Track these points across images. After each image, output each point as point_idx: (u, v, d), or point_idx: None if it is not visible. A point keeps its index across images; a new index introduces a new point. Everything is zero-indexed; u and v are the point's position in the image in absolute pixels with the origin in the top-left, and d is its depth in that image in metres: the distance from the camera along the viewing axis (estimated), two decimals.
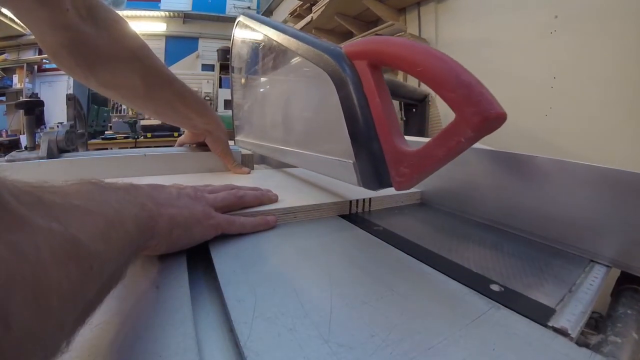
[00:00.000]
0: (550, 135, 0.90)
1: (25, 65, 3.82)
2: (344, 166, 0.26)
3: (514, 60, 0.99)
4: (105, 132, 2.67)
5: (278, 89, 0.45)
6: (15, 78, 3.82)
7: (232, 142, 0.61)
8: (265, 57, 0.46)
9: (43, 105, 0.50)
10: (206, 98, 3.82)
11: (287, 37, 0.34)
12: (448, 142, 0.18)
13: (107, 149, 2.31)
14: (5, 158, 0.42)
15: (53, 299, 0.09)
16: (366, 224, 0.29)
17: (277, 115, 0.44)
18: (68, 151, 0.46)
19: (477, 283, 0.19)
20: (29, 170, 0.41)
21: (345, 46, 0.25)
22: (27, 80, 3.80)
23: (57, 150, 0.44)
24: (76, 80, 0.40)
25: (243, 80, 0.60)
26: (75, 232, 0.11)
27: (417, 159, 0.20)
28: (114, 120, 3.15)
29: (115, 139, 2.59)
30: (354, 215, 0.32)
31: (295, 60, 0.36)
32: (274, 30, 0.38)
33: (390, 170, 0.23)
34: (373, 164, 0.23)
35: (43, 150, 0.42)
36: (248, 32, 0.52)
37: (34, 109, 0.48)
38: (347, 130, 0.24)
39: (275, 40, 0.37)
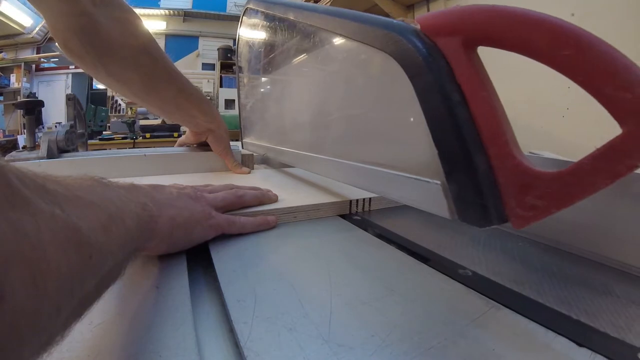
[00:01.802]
0: (568, 136, 0.86)
1: (22, 64, 3.81)
2: (426, 188, 0.18)
3: (529, 60, 0.97)
4: (103, 132, 2.66)
5: (304, 82, 0.37)
6: (13, 77, 3.80)
7: (240, 143, 0.59)
8: (283, 45, 0.39)
9: (43, 105, 0.50)
10: (208, 97, 3.81)
11: (321, 15, 0.27)
12: (616, 166, 0.12)
13: (105, 150, 2.30)
14: (5, 158, 0.42)
15: (50, 281, 0.09)
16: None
17: (304, 114, 0.36)
18: (68, 151, 0.46)
19: (619, 354, 0.14)
20: None
21: (422, 19, 0.18)
22: (24, 79, 3.79)
23: (57, 151, 0.44)
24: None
25: (251, 78, 0.55)
26: (77, 221, 0.11)
27: (560, 186, 0.14)
28: (112, 120, 3.14)
29: (112, 139, 2.58)
30: (354, 215, 0.32)
31: (334, 43, 0.28)
32: (299, 10, 0.31)
33: (506, 199, 0.15)
34: (476, 187, 0.16)
35: (43, 150, 0.42)
36: (259, 20, 0.47)
37: (34, 109, 0.48)
38: (430, 137, 0.17)
39: (302, 22, 0.31)
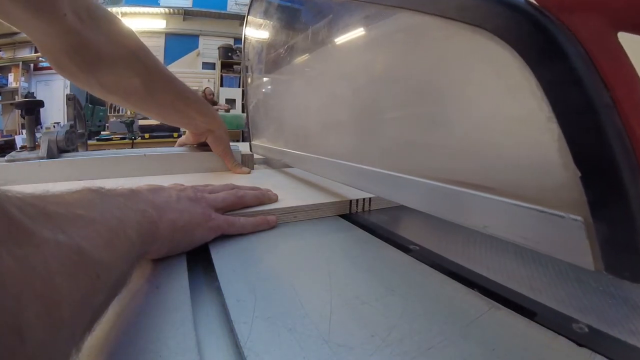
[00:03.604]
0: None
1: (20, 63, 3.79)
2: (555, 225, 0.13)
3: None
4: (101, 133, 2.64)
5: (340, 76, 0.30)
6: (11, 77, 3.79)
7: (248, 146, 0.58)
8: (306, 32, 0.33)
9: (43, 106, 0.50)
10: (214, 100, 3.80)
11: None
12: None
13: (104, 150, 2.30)
14: (5, 158, 0.42)
15: (63, 311, 0.09)
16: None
17: (339, 115, 0.30)
18: (68, 151, 0.46)
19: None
20: (29, 170, 0.41)
21: None
22: (22, 79, 3.78)
23: (57, 151, 0.44)
24: (79, 86, 0.39)
25: (263, 75, 0.50)
26: (81, 242, 0.11)
27: None
28: (111, 120, 3.13)
29: (111, 139, 2.56)
30: (354, 215, 0.32)
31: (388, 21, 0.22)
32: None
33: None
34: (633, 227, 0.11)
35: (43, 150, 0.42)
36: (273, 7, 0.43)
37: (34, 109, 0.48)
38: (568, 152, 0.12)
39: None
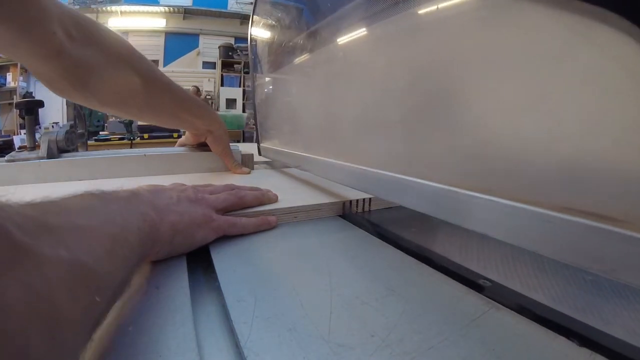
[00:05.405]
0: None
1: (19, 63, 3.78)
2: None
3: None
4: (100, 133, 2.63)
5: (380, 66, 0.24)
6: (9, 76, 3.78)
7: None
8: (339, 10, 0.28)
9: (43, 106, 0.50)
10: (207, 97, 3.79)
11: None
12: None
13: (104, 150, 2.29)
14: (6, 158, 0.42)
15: (66, 329, 0.09)
16: None
17: (381, 114, 0.24)
18: (68, 151, 0.46)
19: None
20: (29, 170, 0.41)
21: None
22: (21, 78, 3.77)
23: (57, 151, 0.44)
24: (76, 102, 0.39)
25: (273, 72, 0.47)
26: (82, 257, 0.11)
27: None
28: (110, 120, 3.12)
29: (109, 140, 2.56)
30: (354, 215, 0.32)
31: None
32: None
33: None
34: None
35: (43, 150, 0.42)
36: None
37: (34, 109, 0.48)
38: None
39: None
